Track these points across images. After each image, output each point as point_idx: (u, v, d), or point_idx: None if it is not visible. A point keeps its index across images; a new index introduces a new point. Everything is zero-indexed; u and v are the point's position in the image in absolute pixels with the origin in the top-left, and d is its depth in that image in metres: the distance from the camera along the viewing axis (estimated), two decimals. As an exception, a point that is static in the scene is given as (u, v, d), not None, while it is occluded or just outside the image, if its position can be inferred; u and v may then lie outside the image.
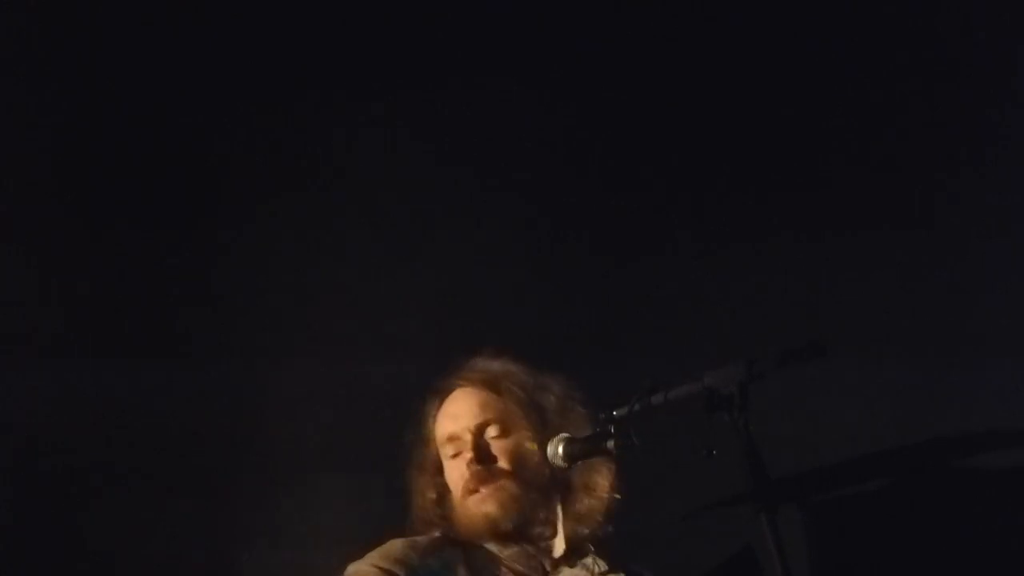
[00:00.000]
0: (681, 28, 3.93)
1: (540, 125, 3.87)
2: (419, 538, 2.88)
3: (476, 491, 2.85)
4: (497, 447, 2.89)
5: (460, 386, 2.97)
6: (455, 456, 2.90)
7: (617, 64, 3.90)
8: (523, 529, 2.85)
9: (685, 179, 3.89)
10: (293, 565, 3.45)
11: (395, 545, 2.84)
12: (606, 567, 2.93)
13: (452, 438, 2.92)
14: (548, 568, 2.87)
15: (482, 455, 2.88)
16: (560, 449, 2.80)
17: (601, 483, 2.91)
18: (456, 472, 2.90)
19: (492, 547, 2.87)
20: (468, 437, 2.90)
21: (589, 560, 2.91)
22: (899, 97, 3.90)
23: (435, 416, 2.98)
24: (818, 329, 3.46)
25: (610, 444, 2.68)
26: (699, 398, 2.41)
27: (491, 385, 2.96)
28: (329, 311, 3.67)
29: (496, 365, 2.99)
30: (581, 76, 3.89)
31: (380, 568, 2.77)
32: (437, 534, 2.89)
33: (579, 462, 2.78)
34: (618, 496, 2.93)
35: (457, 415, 2.93)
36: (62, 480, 3.46)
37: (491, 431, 2.90)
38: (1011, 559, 3.48)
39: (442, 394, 2.98)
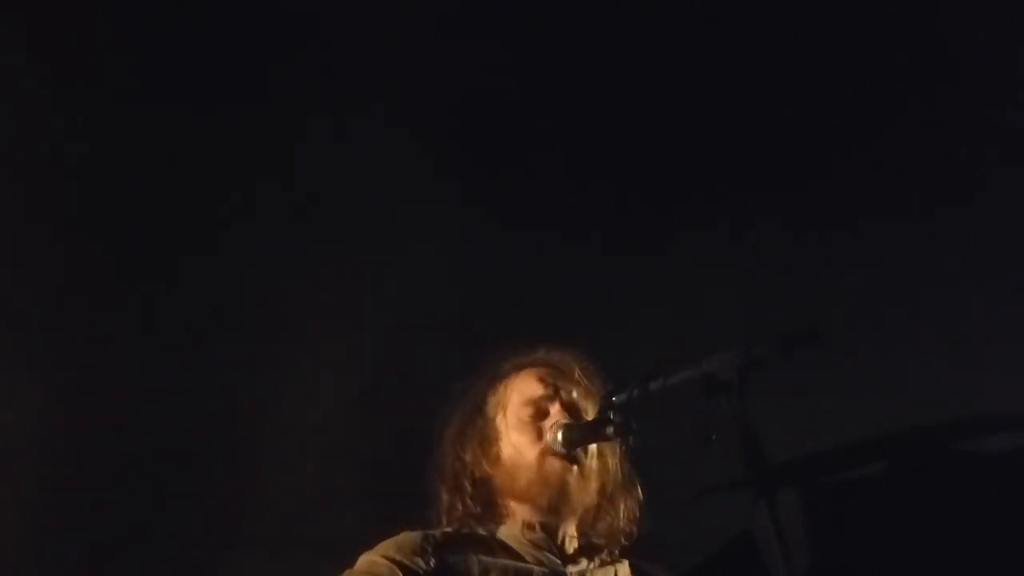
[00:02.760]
0: (681, 28, 3.93)
1: (540, 125, 3.88)
2: (433, 531, 2.85)
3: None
4: None
5: (534, 366, 2.99)
6: (537, 417, 2.90)
7: (617, 64, 3.91)
8: (566, 510, 2.85)
9: (686, 175, 3.89)
10: (293, 563, 3.44)
11: (408, 537, 2.80)
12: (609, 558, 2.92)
13: (538, 400, 2.92)
14: (561, 563, 2.85)
15: (576, 415, 2.89)
16: (560, 435, 2.80)
17: (626, 507, 2.92)
18: (535, 433, 2.87)
19: (510, 539, 2.84)
20: (557, 400, 2.90)
21: (597, 559, 2.91)
22: (899, 97, 3.90)
23: (504, 389, 2.97)
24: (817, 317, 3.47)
25: (609, 430, 2.69)
26: (698, 384, 2.41)
27: (564, 371, 2.98)
28: (329, 308, 3.67)
29: (562, 354, 3.01)
30: (581, 76, 3.90)
31: (391, 559, 2.73)
32: (448, 529, 2.87)
33: (615, 478, 2.86)
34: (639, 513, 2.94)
35: (545, 380, 2.94)
36: (61, 480, 3.45)
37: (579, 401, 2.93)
38: (1009, 548, 3.48)
39: (510, 371, 3.00)
